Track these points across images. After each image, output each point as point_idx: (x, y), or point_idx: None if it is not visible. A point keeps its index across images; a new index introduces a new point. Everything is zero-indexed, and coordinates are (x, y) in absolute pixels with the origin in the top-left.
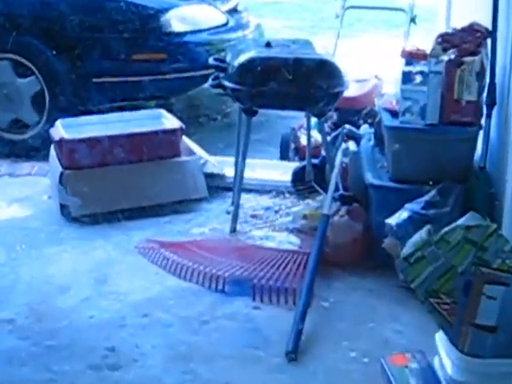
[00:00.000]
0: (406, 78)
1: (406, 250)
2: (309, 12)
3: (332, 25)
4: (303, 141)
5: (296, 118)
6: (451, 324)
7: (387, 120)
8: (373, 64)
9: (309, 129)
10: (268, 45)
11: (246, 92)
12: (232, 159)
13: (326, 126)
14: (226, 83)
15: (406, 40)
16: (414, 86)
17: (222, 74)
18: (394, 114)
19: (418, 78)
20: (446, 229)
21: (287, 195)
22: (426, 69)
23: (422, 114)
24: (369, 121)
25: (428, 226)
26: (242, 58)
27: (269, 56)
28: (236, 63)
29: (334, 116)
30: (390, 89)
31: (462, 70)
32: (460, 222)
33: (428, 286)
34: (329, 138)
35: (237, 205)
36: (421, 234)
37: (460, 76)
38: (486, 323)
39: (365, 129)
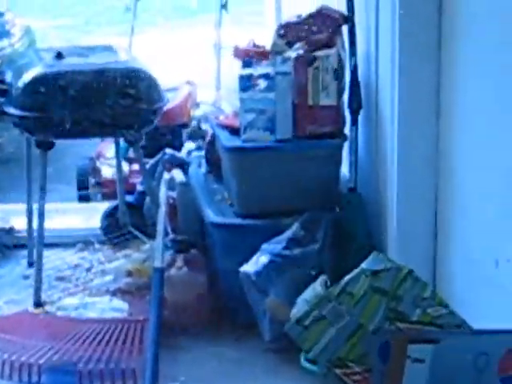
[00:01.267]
0: (246, 83)
1: (298, 309)
2: (80, 6)
3: (111, 19)
4: (106, 173)
5: (89, 144)
6: None
7: (226, 139)
8: (178, 65)
9: (118, 157)
10: (59, 56)
11: (37, 120)
12: (19, 206)
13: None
14: (10, 110)
15: (218, 30)
16: (257, 93)
17: (1, 99)
18: (233, 131)
19: (262, 83)
20: (347, 277)
21: (98, 246)
22: (270, 70)
23: (271, 127)
24: (196, 142)
25: (323, 277)
26: (28, 75)
27: (63, 71)
28: (20, 83)
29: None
30: (206, 95)
31: (315, 68)
32: (363, 265)
33: (331, 354)
34: None
35: (39, 266)
36: (314, 288)
37: (314, 75)
38: None
39: (188, 152)
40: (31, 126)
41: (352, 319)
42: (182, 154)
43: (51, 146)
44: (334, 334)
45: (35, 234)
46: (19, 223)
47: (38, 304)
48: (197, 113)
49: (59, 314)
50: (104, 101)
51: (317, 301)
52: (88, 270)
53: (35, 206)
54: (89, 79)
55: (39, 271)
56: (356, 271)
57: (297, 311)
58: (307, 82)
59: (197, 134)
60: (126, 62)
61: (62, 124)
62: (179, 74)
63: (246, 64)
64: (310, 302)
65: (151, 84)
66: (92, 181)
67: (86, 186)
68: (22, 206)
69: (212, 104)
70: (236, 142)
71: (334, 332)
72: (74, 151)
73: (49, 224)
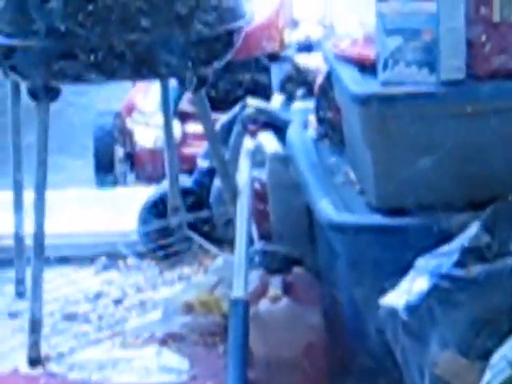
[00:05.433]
0: None
1: (495, 374)
2: None
3: None
4: (143, 139)
5: (110, 90)
6: None
7: (352, 82)
8: None
9: (167, 112)
10: None
11: (34, 50)
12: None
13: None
14: None
15: None
16: (407, 2)
17: None
18: (363, 66)
19: None
20: None
21: (133, 262)
22: None
23: (431, 61)
24: (297, 87)
25: None
26: None
27: None
28: None
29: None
30: (309, 7)
31: None
32: None
33: None
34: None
35: (36, 296)
36: None
37: None
38: None
39: (285, 104)
40: (19, 61)
41: None
42: (275, 106)
43: (56, 94)
44: None
45: (29, 241)
46: (0, 224)
47: (36, 360)
48: (295, 36)
49: (71, 376)
50: (141, 16)
51: None
52: (118, 302)
53: (28, 196)
54: None
55: (36, 305)
56: None
57: (491, 378)
58: None
59: (298, 74)
60: None
61: (74, 56)
62: None
63: None
64: None
65: None
66: (119, 151)
67: (109, 161)
68: (5, 196)
69: (320, 21)
70: (371, 87)
71: None
72: (84, 103)
73: (51, 225)
